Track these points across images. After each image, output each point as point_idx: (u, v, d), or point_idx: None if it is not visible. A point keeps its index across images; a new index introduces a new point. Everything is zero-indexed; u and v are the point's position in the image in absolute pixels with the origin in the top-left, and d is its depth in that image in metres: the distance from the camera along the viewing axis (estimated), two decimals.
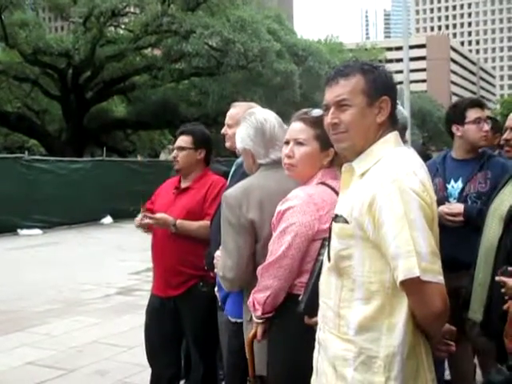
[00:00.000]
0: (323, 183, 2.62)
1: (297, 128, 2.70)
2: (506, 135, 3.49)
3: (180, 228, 3.93)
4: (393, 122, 2.18)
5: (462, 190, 3.91)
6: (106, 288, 9.70)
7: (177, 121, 25.06)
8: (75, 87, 27.99)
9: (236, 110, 3.65)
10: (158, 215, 3.97)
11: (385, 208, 1.96)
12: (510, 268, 2.87)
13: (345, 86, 2.13)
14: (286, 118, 3.00)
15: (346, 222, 2.06)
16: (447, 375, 4.82)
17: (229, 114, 3.69)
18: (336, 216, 2.14)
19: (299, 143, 2.67)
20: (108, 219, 20.07)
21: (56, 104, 30.10)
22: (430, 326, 2.01)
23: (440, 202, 3.83)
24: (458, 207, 3.80)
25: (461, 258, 3.53)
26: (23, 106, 31.97)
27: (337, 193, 2.53)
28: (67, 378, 5.59)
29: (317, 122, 2.60)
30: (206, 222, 3.85)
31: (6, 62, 26.68)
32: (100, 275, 10.77)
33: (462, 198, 3.89)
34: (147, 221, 3.98)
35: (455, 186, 3.94)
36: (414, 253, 1.90)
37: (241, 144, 3.02)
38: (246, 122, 3.02)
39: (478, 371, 5.05)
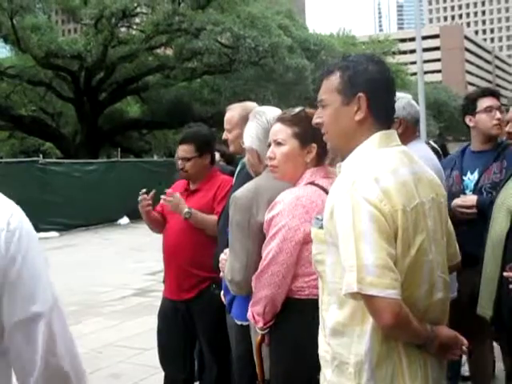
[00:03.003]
0: (312, 183, 2.56)
1: (276, 129, 2.69)
2: (508, 128, 3.40)
3: (194, 216, 3.88)
4: (380, 119, 2.07)
5: (478, 181, 3.84)
6: (122, 289, 9.71)
7: (190, 120, 25.03)
8: (88, 89, 28.07)
9: (231, 113, 3.60)
10: (176, 195, 3.93)
11: (338, 218, 1.91)
12: None
13: (325, 86, 2.12)
14: None
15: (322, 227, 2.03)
16: (464, 371, 4.75)
17: (225, 118, 3.63)
18: (317, 219, 2.11)
19: (278, 143, 2.65)
20: (125, 220, 20.13)
21: (70, 106, 30.23)
22: (391, 336, 1.93)
23: (456, 195, 3.79)
24: (471, 199, 3.74)
25: (479, 254, 3.43)
26: (38, 110, 32.18)
27: (327, 192, 2.48)
28: None
29: (294, 120, 2.61)
30: (215, 217, 3.80)
31: (20, 66, 26.82)
32: (116, 277, 10.79)
33: (477, 189, 3.82)
34: (164, 199, 3.94)
35: (471, 178, 3.88)
36: (356, 267, 1.83)
37: (249, 143, 2.98)
38: (256, 121, 2.98)
39: (498, 364, 4.98)
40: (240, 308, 3.01)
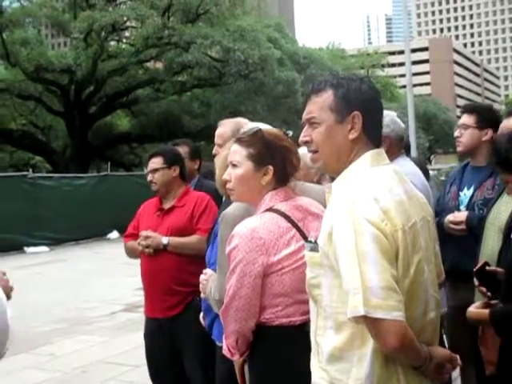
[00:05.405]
0: (270, 209, 2.48)
1: (232, 150, 2.60)
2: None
3: (171, 245, 3.88)
4: (372, 138, 2.04)
5: (471, 197, 3.80)
6: (111, 305, 9.62)
7: (180, 133, 25.05)
8: (78, 103, 28.08)
9: (223, 128, 3.54)
10: (145, 233, 3.94)
11: (338, 240, 1.86)
12: None
13: (315, 103, 2.06)
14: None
15: (317, 250, 1.97)
16: None
17: (217, 133, 3.57)
18: (310, 242, 2.06)
19: (234, 165, 2.57)
20: (114, 234, 20.00)
21: (60, 120, 30.24)
22: (395, 358, 1.88)
23: (452, 211, 3.73)
24: (462, 215, 3.70)
25: (468, 269, 3.39)
26: (28, 123, 32.16)
27: (286, 216, 2.43)
28: None
29: (250, 141, 2.53)
30: (196, 236, 3.85)
31: (9, 80, 26.82)
32: (106, 292, 10.70)
33: (470, 205, 3.78)
34: (140, 245, 3.94)
35: (467, 194, 3.81)
36: (361, 289, 1.78)
37: None
38: None
39: None
40: (220, 330, 2.96)
